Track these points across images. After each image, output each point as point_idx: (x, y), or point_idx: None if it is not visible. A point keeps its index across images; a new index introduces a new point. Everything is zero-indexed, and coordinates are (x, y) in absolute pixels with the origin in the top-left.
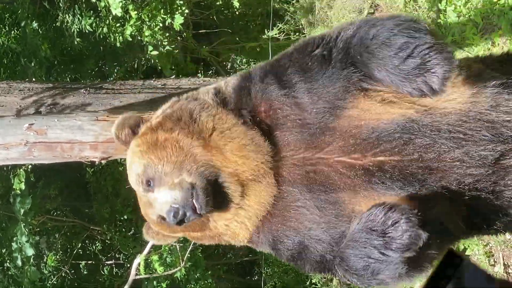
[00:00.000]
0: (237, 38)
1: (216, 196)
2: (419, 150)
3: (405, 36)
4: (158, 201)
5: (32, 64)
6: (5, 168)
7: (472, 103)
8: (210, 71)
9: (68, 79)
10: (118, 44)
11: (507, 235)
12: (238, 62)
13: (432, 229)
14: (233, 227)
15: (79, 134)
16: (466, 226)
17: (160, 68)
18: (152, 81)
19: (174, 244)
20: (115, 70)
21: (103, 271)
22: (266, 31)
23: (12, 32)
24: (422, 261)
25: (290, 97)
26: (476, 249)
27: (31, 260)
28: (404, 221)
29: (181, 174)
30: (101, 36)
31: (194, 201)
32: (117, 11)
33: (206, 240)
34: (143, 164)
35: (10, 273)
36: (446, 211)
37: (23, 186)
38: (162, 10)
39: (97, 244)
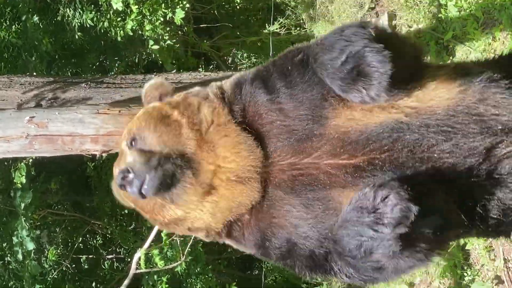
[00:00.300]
0: (238, 33)
1: (178, 188)
2: (408, 145)
3: (344, 40)
4: (125, 158)
5: (33, 59)
6: (5, 162)
7: (460, 99)
8: (211, 66)
9: (69, 73)
10: (119, 39)
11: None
12: (239, 56)
13: (427, 210)
14: (195, 214)
15: (80, 127)
16: (465, 215)
17: (161, 62)
18: (153, 76)
19: (175, 238)
20: (116, 65)
21: (104, 265)
22: (267, 26)
23: (13, 26)
24: (417, 243)
25: (275, 103)
26: (476, 244)
27: (32, 254)
28: (393, 196)
29: (160, 152)
30: (102, 31)
31: (147, 178)
32: (118, 5)
33: (160, 226)
34: (142, 126)
35: (11, 267)
36: (442, 197)
37: (24, 180)
38: (163, 5)
39: (98, 238)
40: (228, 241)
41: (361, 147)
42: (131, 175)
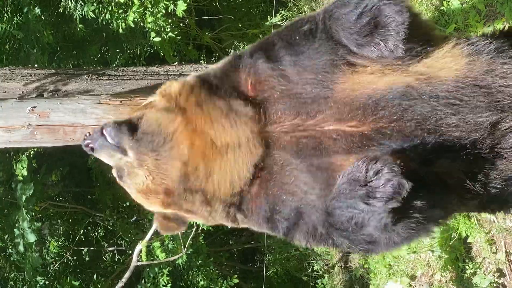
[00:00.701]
0: (240, 25)
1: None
2: (417, 117)
3: None
4: None
5: (35, 51)
6: (7, 154)
7: (468, 70)
8: (213, 58)
9: (70, 65)
10: (120, 31)
11: (508, 221)
12: (240, 48)
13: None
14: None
15: (82, 117)
16: (468, 185)
17: (162, 54)
18: (154, 68)
19: None
20: (118, 57)
21: (105, 258)
22: (269, 18)
23: (15, 18)
24: (412, 214)
25: (276, 70)
26: (478, 237)
27: (33, 246)
28: (386, 171)
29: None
30: (104, 23)
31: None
32: None
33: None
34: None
35: (12, 259)
36: (444, 170)
37: (25, 172)
38: None
39: (99, 231)
40: (238, 215)
41: (370, 113)
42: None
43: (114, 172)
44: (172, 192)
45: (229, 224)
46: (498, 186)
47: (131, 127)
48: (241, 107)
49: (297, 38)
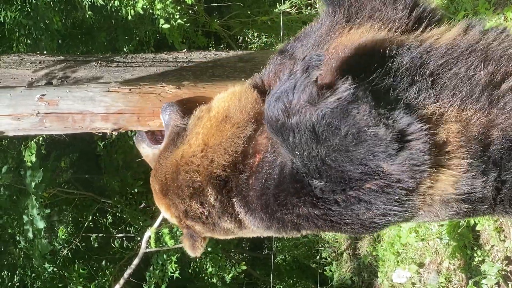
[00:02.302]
0: (249, 12)
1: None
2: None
3: None
4: None
5: (44, 37)
6: (15, 141)
7: (462, 37)
8: (222, 45)
9: (79, 52)
10: (129, 17)
11: None
12: (249, 36)
13: None
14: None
15: (91, 105)
16: None
17: (171, 41)
18: (163, 55)
19: None
20: (126, 44)
21: (114, 244)
22: (278, 5)
23: (25, 8)
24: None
25: (286, 56)
26: (486, 225)
27: (42, 232)
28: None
29: None
30: (113, 9)
31: None
32: None
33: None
34: None
35: (21, 246)
36: None
37: (34, 159)
38: None
39: (108, 217)
40: (235, 200)
41: None
42: None
43: None
44: (168, 190)
45: (228, 223)
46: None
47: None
48: (249, 90)
49: (307, 32)
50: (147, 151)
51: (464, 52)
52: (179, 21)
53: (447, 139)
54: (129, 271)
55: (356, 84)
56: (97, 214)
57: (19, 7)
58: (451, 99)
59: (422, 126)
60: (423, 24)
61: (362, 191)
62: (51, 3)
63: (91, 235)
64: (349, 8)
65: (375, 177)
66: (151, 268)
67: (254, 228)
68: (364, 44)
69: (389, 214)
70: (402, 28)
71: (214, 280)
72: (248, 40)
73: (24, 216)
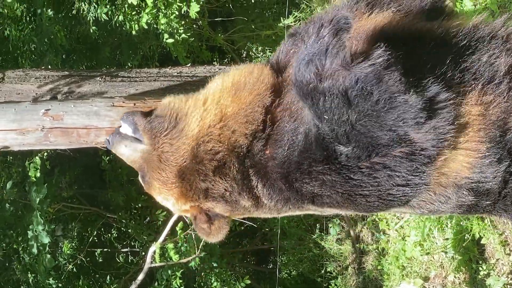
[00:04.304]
0: (253, 26)
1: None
2: None
3: None
4: None
5: (48, 52)
6: (19, 156)
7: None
8: (226, 59)
9: (84, 67)
10: (133, 32)
11: None
12: (253, 50)
13: None
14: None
15: (95, 120)
16: None
17: (175, 56)
18: (167, 69)
19: (190, 232)
20: (131, 58)
21: (119, 259)
22: (282, 19)
23: (29, 26)
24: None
25: (298, 39)
26: (491, 238)
27: (47, 248)
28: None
29: None
30: (117, 24)
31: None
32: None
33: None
34: None
35: (26, 260)
36: None
37: (38, 174)
38: None
39: (112, 232)
40: (252, 172)
41: None
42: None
43: (139, 178)
44: (184, 172)
45: (246, 200)
46: None
47: (144, 113)
48: (265, 67)
49: (320, 14)
50: (128, 150)
51: (486, 38)
52: (183, 35)
53: (468, 121)
54: (134, 286)
55: (390, 51)
56: (102, 229)
57: (24, 24)
58: (473, 82)
59: (449, 96)
60: (443, 15)
61: (387, 158)
62: (56, 18)
63: (95, 250)
64: None
65: (402, 144)
66: (156, 283)
67: (271, 205)
68: (391, 24)
69: (409, 184)
70: (422, 17)
71: None
72: (252, 54)
73: (29, 232)
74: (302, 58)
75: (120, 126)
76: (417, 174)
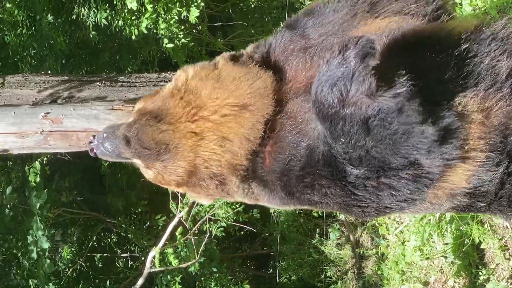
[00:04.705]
0: (253, 31)
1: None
2: None
3: None
4: None
5: (48, 57)
6: (19, 161)
7: None
8: None
9: (83, 72)
10: (133, 37)
11: None
12: None
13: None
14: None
15: (95, 123)
16: None
17: (175, 61)
18: (167, 74)
19: (189, 237)
20: (131, 63)
21: (118, 264)
22: (281, 24)
23: (28, 31)
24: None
25: (298, 34)
26: (491, 243)
27: (47, 253)
28: (355, 40)
29: None
30: (117, 29)
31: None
32: (132, 4)
33: (184, 189)
34: None
35: (25, 265)
36: None
37: (38, 179)
38: (177, 3)
39: (112, 237)
40: (254, 184)
41: None
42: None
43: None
44: (184, 184)
45: (247, 200)
46: None
47: (127, 140)
48: (263, 71)
49: (320, 6)
50: (116, 160)
51: (487, 40)
52: (183, 40)
53: (469, 132)
54: None
55: (411, 81)
56: (102, 233)
57: (24, 29)
58: (474, 88)
59: (459, 124)
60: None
61: (394, 179)
62: (55, 23)
63: (95, 254)
64: None
65: (410, 168)
66: None
67: (269, 205)
68: (402, 32)
69: (407, 200)
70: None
71: None
72: None
73: (29, 237)
74: (326, 79)
75: (104, 143)
76: (418, 193)
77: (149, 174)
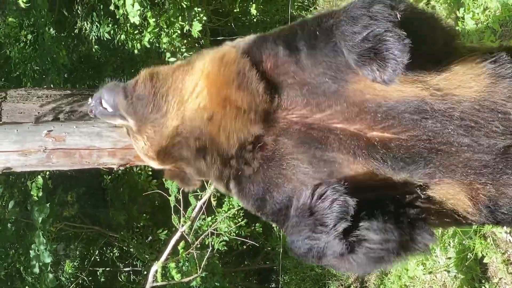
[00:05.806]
0: None
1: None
2: (428, 133)
3: (369, 17)
4: None
5: (50, 71)
6: (22, 175)
7: (488, 93)
8: None
9: (86, 86)
10: (136, 51)
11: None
12: None
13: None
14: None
15: (98, 141)
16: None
17: None
18: None
19: (192, 251)
20: (133, 77)
21: (120, 278)
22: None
23: (31, 46)
24: (369, 243)
25: (293, 57)
26: (494, 257)
27: (49, 267)
28: (330, 191)
29: None
30: (119, 43)
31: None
32: (135, 19)
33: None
34: None
35: (28, 280)
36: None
37: (40, 193)
38: (180, 17)
39: (114, 251)
40: (232, 183)
41: (379, 120)
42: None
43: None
44: (165, 152)
45: (219, 187)
46: (506, 212)
47: (125, 93)
48: (255, 80)
49: (318, 33)
50: (112, 121)
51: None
52: (185, 54)
53: (454, 210)
54: None
55: None
56: (104, 248)
57: (27, 43)
58: (464, 177)
59: None
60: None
61: None
62: (58, 37)
63: (97, 269)
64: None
65: None
66: None
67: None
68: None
69: None
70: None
71: None
72: None
73: (31, 251)
74: (300, 236)
75: (102, 95)
76: None
77: (139, 145)
